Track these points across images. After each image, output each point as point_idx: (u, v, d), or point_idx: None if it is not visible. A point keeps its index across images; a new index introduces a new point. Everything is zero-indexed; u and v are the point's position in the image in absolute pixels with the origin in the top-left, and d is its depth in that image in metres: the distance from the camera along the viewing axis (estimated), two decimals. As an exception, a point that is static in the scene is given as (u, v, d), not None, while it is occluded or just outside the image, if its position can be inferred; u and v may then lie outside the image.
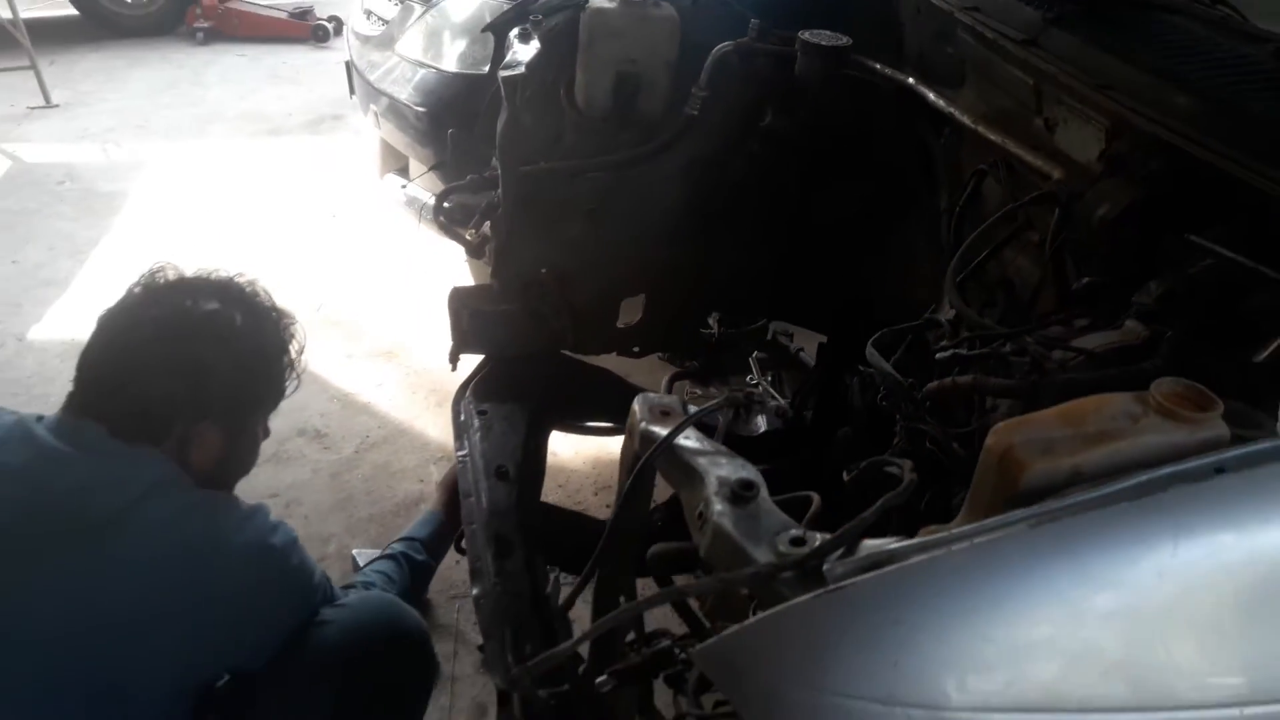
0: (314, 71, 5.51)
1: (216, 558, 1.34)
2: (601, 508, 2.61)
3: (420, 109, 3.01)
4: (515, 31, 1.82)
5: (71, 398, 1.40)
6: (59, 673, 1.22)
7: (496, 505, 1.64)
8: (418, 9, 3.23)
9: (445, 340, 3.20)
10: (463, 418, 1.88)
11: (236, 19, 5.85)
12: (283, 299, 3.37)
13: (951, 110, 1.55)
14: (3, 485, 1.29)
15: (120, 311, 1.44)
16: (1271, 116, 1.16)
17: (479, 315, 1.94)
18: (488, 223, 1.94)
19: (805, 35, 1.74)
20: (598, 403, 2.08)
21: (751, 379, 2.61)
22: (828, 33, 1.75)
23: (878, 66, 1.74)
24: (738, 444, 2.22)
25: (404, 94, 3.06)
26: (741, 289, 2.05)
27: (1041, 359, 1.06)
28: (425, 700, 1.67)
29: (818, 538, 0.77)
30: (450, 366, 2.01)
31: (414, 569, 1.87)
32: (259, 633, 1.41)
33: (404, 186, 3.24)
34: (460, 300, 1.93)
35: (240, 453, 1.55)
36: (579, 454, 2.82)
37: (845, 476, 1.06)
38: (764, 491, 0.81)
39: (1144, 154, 1.20)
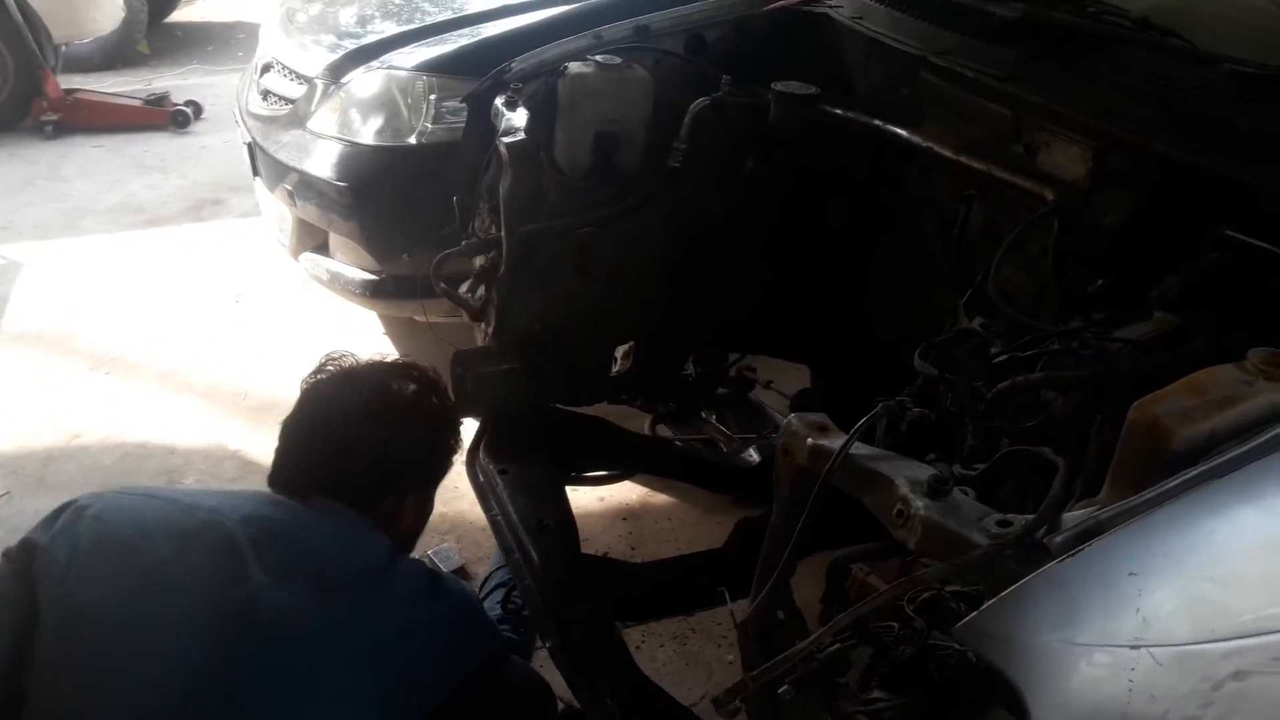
0: (180, 157, 5.33)
1: (439, 608, 1.42)
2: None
3: (341, 184, 3.02)
4: (501, 99, 1.88)
5: (284, 472, 1.45)
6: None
7: (549, 559, 1.67)
8: (321, 86, 3.23)
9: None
10: (482, 479, 1.90)
11: (87, 109, 5.61)
12: (204, 389, 3.30)
13: (929, 145, 1.70)
14: (272, 531, 1.32)
15: (328, 394, 1.53)
16: (1240, 125, 1.35)
17: (482, 377, 1.97)
18: (483, 285, 1.99)
19: (777, 86, 1.88)
20: (598, 451, 2.13)
21: (707, 417, 2.72)
22: (796, 83, 1.89)
23: (840, 111, 1.90)
24: (734, 474, 2.33)
25: (322, 170, 3.06)
26: (726, 328, 2.16)
27: (1105, 350, 1.20)
28: None
29: (1021, 519, 0.87)
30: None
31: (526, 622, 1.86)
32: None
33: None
34: (463, 364, 1.96)
35: (424, 519, 1.63)
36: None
37: (963, 471, 1.16)
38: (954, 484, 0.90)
39: (1138, 166, 1.38)
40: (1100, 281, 1.40)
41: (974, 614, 0.80)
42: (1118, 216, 1.38)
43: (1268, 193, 1.24)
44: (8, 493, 2.77)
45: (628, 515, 2.77)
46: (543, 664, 2.12)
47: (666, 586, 1.83)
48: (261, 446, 3.06)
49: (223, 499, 1.36)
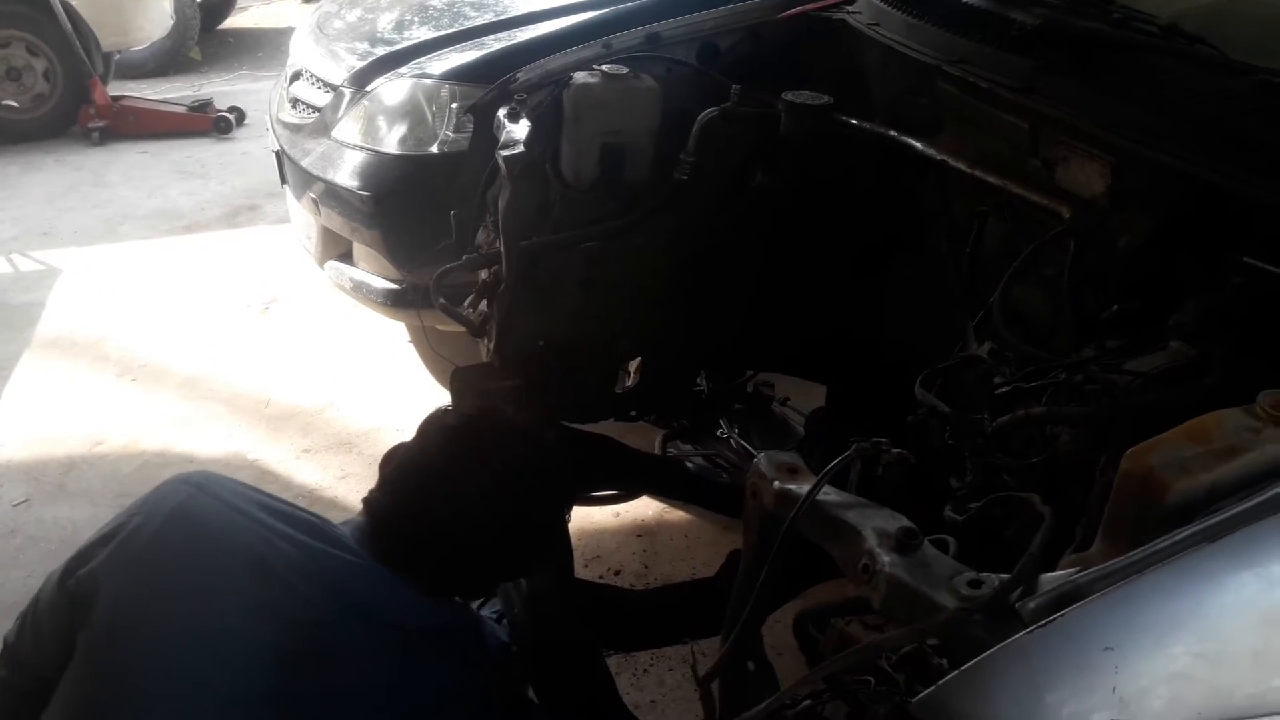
0: (221, 164, 5.39)
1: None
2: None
3: (365, 193, 2.99)
4: (504, 111, 1.83)
5: (378, 525, 1.31)
6: None
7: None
8: (347, 94, 3.22)
9: (407, 424, 3.18)
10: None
11: (133, 116, 5.69)
12: (227, 397, 3.31)
13: (944, 158, 1.62)
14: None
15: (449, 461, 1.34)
16: (1270, 140, 1.25)
17: (483, 394, 1.92)
18: (484, 300, 1.94)
19: (788, 96, 1.80)
20: (603, 471, 2.07)
21: (722, 433, 2.65)
22: (808, 93, 1.82)
23: (854, 121, 1.82)
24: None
25: (346, 179, 3.04)
26: (736, 345, 2.09)
27: (1111, 385, 1.11)
28: None
29: (994, 579, 0.79)
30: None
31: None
32: None
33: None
34: (463, 381, 1.92)
35: None
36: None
37: (952, 514, 1.09)
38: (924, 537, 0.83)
39: (1158, 184, 1.28)
40: (1115, 307, 1.30)
41: (931, 688, 0.73)
42: (1134, 237, 1.29)
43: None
44: (27, 500, 2.79)
45: (643, 532, 2.71)
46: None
47: (658, 617, 1.76)
48: (279, 455, 3.06)
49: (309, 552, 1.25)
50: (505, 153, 1.74)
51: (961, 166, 1.59)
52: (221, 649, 1.18)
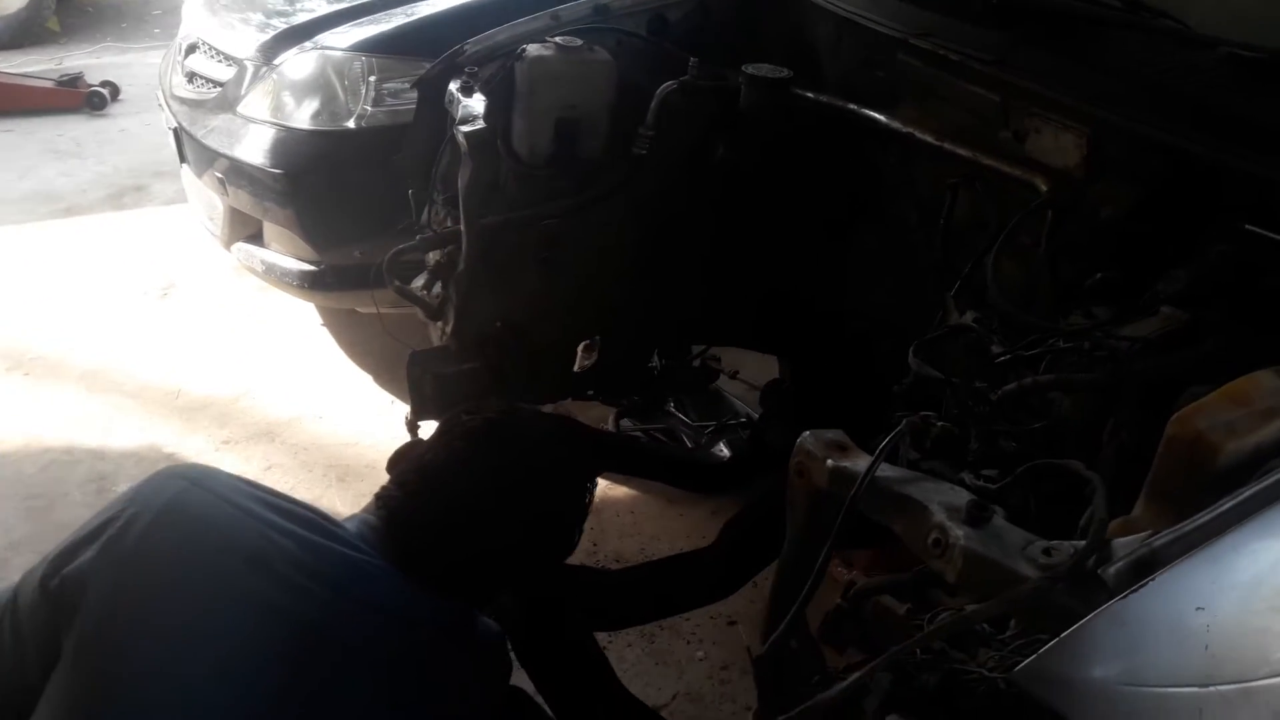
0: (97, 142, 5.06)
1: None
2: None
3: (276, 170, 2.87)
4: (456, 85, 1.77)
5: (395, 526, 1.25)
6: None
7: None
8: (251, 68, 3.07)
9: (329, 411, 3.08)
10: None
11: (-5, 92, 5.32)
12: (133, 389, 3.13)
13: (910, 130, 1.63)
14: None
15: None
16: (1240, 112, 1.30)
17: (441, 378, 1.86)
18: (439, 282, 1.88)
19: (748, 69, 1.79)
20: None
21: (668, 406, 2.66)
22: (767, 65, 1.81)
23: (810, 95, 1.82)
24: (706, 471, 2.26)
25: (255, 156, 2.90)
26: (695, 319, 2.08)
27: (1116, 351, 1.14)
28: None
29: (1068, 546, 0.80)
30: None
31: None
32: None
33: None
34: (421, 365, 1.85)
35: None
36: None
37: (977, 482, 1.10)
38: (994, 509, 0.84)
39: (1138, 155, 1.32)
40: (1099, 275, 1.34)
41: (1033, 657, 0.73)
42: (1118, 207, 1.32)
43: (1270, 181, 1.20)
44: (-78, 508, 2.58)
45: (588, 511, 2.69)
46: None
47: (640, 594, 1.75)
48: (197, 448, 2.91)
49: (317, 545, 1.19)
50: (465, 128, 1.68)
51: (929, 139, 1.61)
52: (221, 649, 1.12)
